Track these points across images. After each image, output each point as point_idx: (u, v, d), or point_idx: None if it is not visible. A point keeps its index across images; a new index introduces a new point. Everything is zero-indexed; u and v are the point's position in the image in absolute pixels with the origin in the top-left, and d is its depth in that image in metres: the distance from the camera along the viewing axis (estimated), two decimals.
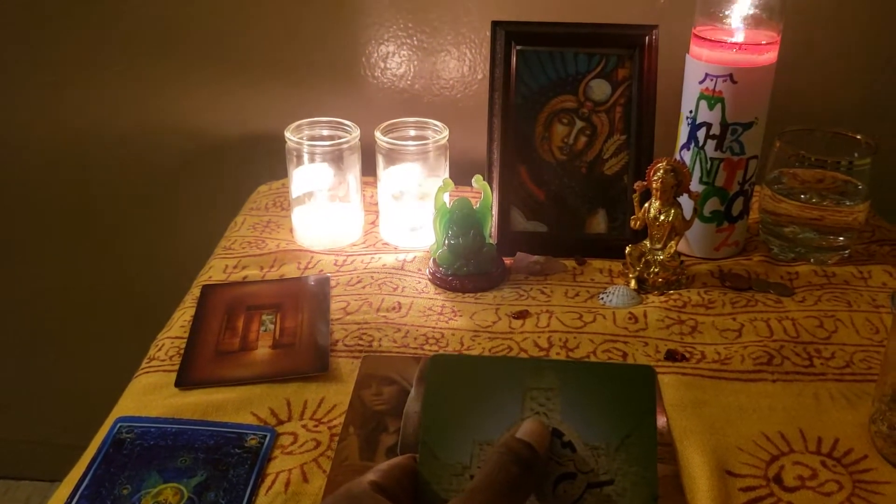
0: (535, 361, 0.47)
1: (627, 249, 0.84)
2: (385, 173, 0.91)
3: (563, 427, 0.43)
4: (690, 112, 0.85)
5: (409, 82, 1.10)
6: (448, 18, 1.06)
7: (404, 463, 0.43)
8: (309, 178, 0.92)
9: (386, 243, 0.94)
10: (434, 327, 0.77)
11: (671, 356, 0.72)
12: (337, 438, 0.63)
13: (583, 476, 0.42)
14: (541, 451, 0.42)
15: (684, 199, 0.83)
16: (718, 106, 0.83)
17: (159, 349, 0.75)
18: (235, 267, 0.88)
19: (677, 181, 0.81)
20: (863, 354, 0.73)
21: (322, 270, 0.87)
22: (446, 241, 0.84)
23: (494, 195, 0.90)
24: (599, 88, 0.90)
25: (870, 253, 0.90)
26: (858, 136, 0.87)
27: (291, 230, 0.95)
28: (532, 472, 0.41)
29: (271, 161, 1.10)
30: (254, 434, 0.63)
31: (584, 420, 0.43)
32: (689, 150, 0.87)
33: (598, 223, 0.91)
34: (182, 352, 0.74)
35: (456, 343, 0.75)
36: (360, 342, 0.75)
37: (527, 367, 0.45)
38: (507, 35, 0.89)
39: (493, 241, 0.88)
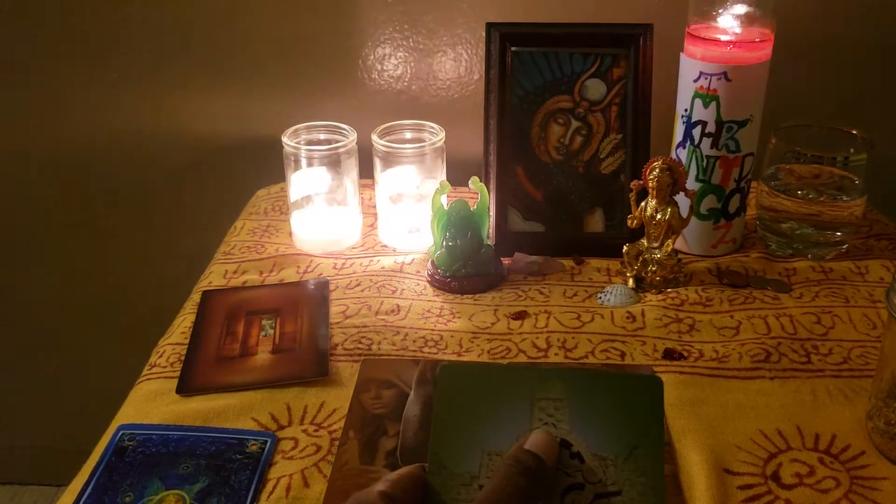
0: (544, 371, 0.47)
1: (625, 248, 0.85)
2: (382, 176, 0.92)
3: (571, 437, 0.43)
4: (685, 110, 0.85)
5: (405, 84, 1.10)
6: (443, 20, 1.06)
7: (413, 472, 0.43)
8: (307, 182, 0.92)
9: (384, 246, 0.94)
10: (433, 329, 0.77)
11: (669, 355, 0.73)
12: (337, 443, 0.63)
13: (591, 487, 0.43)
14: (549, 462, 0.42)
15: (681, 198, 0.83)
16: (713, 104, 0.83)
17: (160, 356, 0.75)
18: (235, 272, 0.89)
19: (673, 179, 0.81)
20: (860, 350, 0.73)
21: (321, 274, 0.88)
22: (444, 243, 0.84)
23: (491, 196, 0.90)
24: (595, 88, 0.90)
25: (867, 248, 0.90)
26: (854, 132, 0.87)
27: (290, 234, 0.96)
28: (540, 484, 0.41)
29: (269, 165, 1.11)
30: (255, 439, 0.64)
31: (593, 430, 0.43)
32: (684, 148, 0.87)
33: (596, 222, 0.91)
34: (183, 358, 0.74)
35: (455, 345, 0.75)
36: (360, 346, 0.75)
37: (535, 377, 0.45)
38: (502, 37, 0.89)
39: (490, 241, 0.89)
